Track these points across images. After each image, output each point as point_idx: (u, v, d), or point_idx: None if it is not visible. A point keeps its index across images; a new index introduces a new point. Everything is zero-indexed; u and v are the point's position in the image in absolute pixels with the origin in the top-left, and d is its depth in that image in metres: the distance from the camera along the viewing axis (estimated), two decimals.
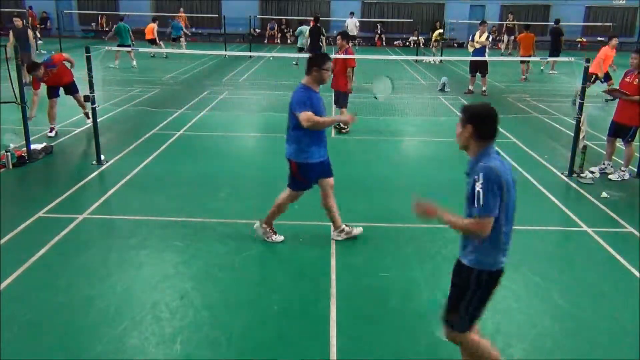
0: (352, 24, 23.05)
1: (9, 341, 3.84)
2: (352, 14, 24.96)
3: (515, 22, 27.51)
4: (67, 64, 9.62)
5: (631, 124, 7.53)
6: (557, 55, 17.53)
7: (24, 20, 15.90)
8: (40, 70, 8.97)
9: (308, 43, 18.20)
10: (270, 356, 3.79)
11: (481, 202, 2.87)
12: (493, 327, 4.15)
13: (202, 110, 11.79)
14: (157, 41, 21.45)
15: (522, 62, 17.34)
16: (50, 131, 9.37)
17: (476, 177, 2.93)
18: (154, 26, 21.61)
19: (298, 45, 19.94)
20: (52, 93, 9.44)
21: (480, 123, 3.06)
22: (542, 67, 19.82)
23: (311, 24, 18.35)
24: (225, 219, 6.06)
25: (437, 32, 24.23)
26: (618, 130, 7.74)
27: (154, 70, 18.01)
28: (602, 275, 5.08)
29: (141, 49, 13.92)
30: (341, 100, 10.07)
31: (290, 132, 5.21)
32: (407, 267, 5.07)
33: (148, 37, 21.50)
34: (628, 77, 7.61)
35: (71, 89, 9.72)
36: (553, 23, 19.89)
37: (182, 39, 23.56)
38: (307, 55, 6.16)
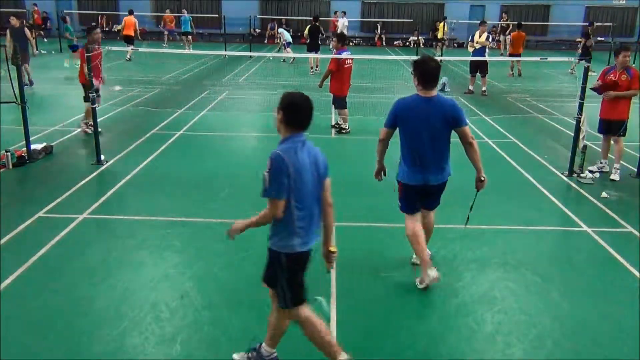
0: (341, 24, 23.10)
1: (9, 341, 3.84)
2: (344, 13, 25.03)
3: (509, 22, 27.59)
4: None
5: (623, 118, 7.65)
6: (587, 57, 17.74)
7: (23, 20, 15.84)
8: (97, 32, 9.29)
9: (307, 41, 18.44)
10: None
11: (266, 186, 3.12)
12: (493, 327, 4.15)
13: (202, 110, 11.79)
14: (137, 37, 20.28)
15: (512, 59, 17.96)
16: (86, 126, 9.47)
17: (267, 162, 3.14)
18: (134, 21, 20.10)
19: (285, 43, 20.80)
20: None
21: (289, 111, 3.24)
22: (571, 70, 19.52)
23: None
24: (225, 219, 6.04)
25: (442, 29, 24.62)
26: (608, 127, 7.82)
27: (153, 70, 18.02)
28: (602, 275, 5.08)
29: (141, 49, 13.91)
30: (339, 103, 10.03)
31: (439, 151, 4.47)
32: (408, 267, 5.07)
33: (126, 32, 19.85)
34: (611, 75, 7.70)
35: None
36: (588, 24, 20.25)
37: (189, 38, 23.68)
38: (304, 55, 5.97)
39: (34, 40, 18.79)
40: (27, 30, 13.62)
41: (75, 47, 17.13)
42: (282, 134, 3.28)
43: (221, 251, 5.31)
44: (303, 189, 3.19)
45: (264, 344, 3.62)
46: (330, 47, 10.32)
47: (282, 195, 3.11)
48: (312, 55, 17.61)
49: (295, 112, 3.24)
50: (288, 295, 3.32)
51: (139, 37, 20.60)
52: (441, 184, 4.60)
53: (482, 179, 4.49)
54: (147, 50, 17.76)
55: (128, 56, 19.70)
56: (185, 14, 24.23)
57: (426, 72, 4.33)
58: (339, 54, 9.74)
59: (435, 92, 4.39)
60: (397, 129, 4.51)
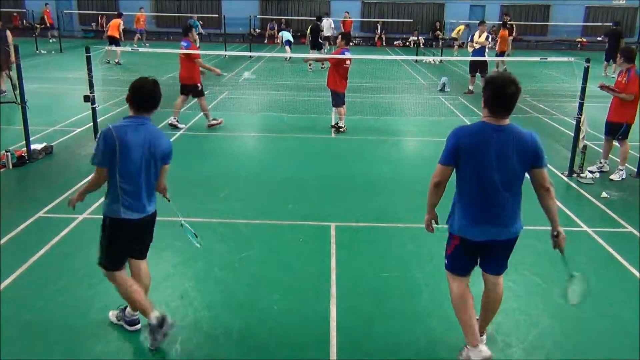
0: (327, 25, 23.32)
1: (9, 341, 3.84)
2: (326, 14, 25.34)
3: (512, 22, 27.64)
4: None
5: (620, 121, 7.65)
6: (615, 61, 17.69)
7: (20, 20, 15.48)
8: (194, 32, 10.34)
9: (309, 40, 18.67)
10: (270, 356, 3.79)
11: (92, 154, 3.56)
12: (493, 327, 4.14)
13: None
14: (121, 39, 19.76)
15: (497, 56, 18.46)
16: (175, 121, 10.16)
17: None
18: (119, 22, 19.76)
19: (285, 39, 21.58)
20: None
21: (134, 93, 3.63)
22: (604, 74, 19.00)
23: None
24: (225, 219, 6.06)
25: (457, 30, 24.96)
26: (609, 129, 7.85)
27: (153, 70, 18.00)
28: (602, 275, 5.08)
29: (141, 49, 13.87)
30: (336, 100, 10.06)
31: (513, 196, 3.60)
32: (407, 267, 5.07)
33: (110, 33, 19.31)
34: (620, 77, 7.75)
35: (193, 91, 10.26)
36: (613, 24, 20.25)
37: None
38: (303, 55, 5.93)
39: (12, 45, 18.27)
40: (8, 34, 12.78)
41: None
42: (129, 112, 3.67)
43: (221, 251, 5.32)
44: (128, 165, 3.55)
45: (128, 307, 3.93)
46: (336, 44, 10.50)
47: (103, 164, 3.54)
48: (312, 55, 17.66)
49: (138, 95, 3.61)
50: (104, 256, 3.74)
51: (122, 39, 20.08)
52: (512, 240, 3.63)
53: (556, 233, 3.62)
54: (148, 50, 17.73)
55: (117, 59, 19.21)
56: (195, 18, 24.67)
57: (501, 97, 3.34)
58: (342, 53, 9.84)
59: (508, 120, 3.42)
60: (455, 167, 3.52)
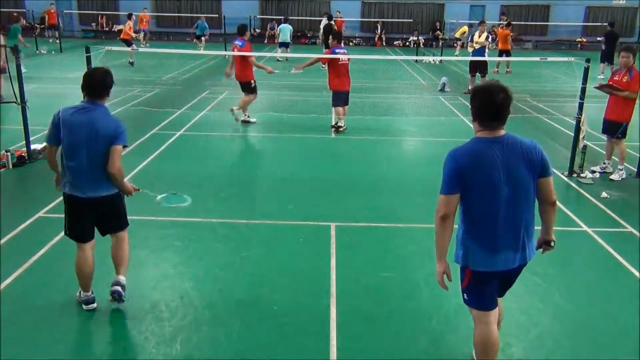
0: (324, 24, 23.51)
1: (9, 341, 3.84)
2: (325, 13, 25.42)
3: (505, 22, 27.69)
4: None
5: (620, 120, 7.64)
6: (612, 62, 17.62)
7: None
8: (247, 33, 10.64)
9: (321, 40, 18.88)
10: (270, 356, 3.79)
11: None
12: None
13: (202, 110, 11.79)
14: (132, 38, 19.80)
15: (499, 55, 18.74)
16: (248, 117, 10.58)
17: None
18: (128, 24, 19.91)
19: (280, 40, 21.73)
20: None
21: (82, 80, 4.04)
22: (601, 75, 18.15)
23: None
24: (225, 219, 6.06)
25: (461, 31, 25.03)
26: (609, 128, 7.83)
27: (153, 70, 18.01)
28: (602, 275, 5.08)
29: (141, 49, 13.85)
30: (335, 100, 10.09)
31: (524, 214, 3.15)
32: (407, 267, 5.07)
33: (124, 36, 19.47)
34: (617, 76, 7.75)
35: (246, 87, 10.47)
36: (608, 25, 20.28)
37: (203, 39, 24.03)
38: (302, 55, 5.96)
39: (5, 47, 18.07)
40: (1, 37, 12.54)
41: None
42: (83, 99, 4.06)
43: (221, 251, 5.32)
44: (70, 143, 3.90)
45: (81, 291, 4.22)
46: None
47: (50, 141, 4.00)
48: (315, 56, 17.70)
49: (87, 83, 4.00)
50: (66, 225, 4.15)
51: (133, 38, 20.14)
52: (523, 266, 3.28)
53: (553, 243, 3.44)
54: (148, 50, 17.70)
55: (130, 59, 19.18)
56: (202, 19, 24.98)
57: (490, 106, 3.02)
58: (333, 50, 9.95)
59: (503, 131, 3.10)
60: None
